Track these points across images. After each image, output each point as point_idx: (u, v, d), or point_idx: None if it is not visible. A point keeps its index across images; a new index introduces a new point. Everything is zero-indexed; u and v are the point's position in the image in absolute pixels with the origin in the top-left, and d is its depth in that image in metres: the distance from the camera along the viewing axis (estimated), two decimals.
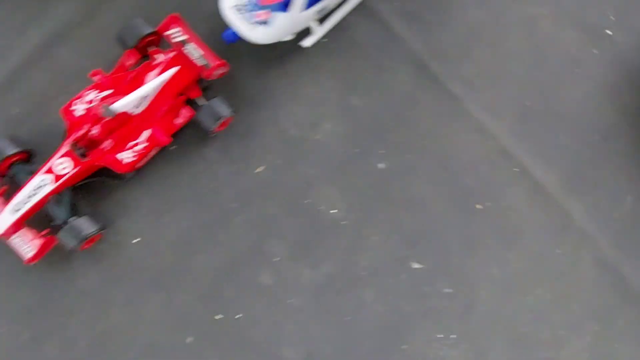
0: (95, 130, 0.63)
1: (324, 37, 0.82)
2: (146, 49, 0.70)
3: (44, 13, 0.85)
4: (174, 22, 0.66)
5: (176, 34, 0.68)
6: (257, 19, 0.69)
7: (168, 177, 0.73)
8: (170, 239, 0.71)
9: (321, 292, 0.84)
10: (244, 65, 0.76)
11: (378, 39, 1.10)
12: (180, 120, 0.68)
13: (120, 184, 0.66)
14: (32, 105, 0.71)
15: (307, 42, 0.81)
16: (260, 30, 0.73)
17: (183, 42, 0.67)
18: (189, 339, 0.68)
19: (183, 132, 0.74)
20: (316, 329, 0.82)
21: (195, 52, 0.67)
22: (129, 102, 0.63)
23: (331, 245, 0.84)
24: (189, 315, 0.73)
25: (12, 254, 0.68)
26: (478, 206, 1.02)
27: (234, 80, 0.75)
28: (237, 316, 0.71)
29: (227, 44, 0.70)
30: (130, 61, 0.68)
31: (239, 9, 0.72)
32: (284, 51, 0.83)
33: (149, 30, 0.67)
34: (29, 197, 0.64)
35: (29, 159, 0.67)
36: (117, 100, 0.63)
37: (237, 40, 0.70)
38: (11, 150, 0.65)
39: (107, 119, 0.64)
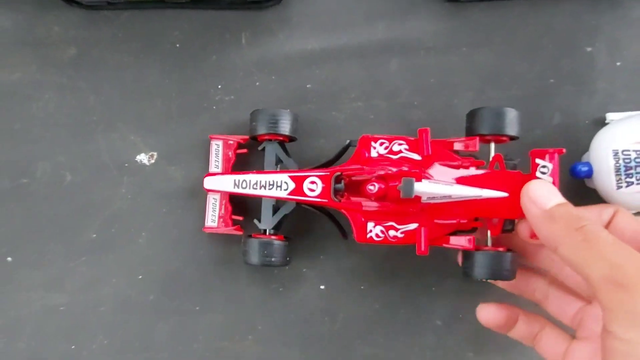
0: (373, 189, 0.51)
1: None
2: (489, 141, 0.55)
3: None
4: (549, 157, 0.50)
5: (543, 169, 0.51)
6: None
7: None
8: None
9: None
10: None
11: None
12: (450, 243, 0.53)
13: (337, 235, 0.56)
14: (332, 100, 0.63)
15: None
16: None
17: None
18: None
19: None
20: None
21: None
22: (431, 192, 0.50)
23: None
24: None
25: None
26: None
27: None
28: None
29: (574, 178, 0.56)
30: (465, 146, 0.53)
31: (619, 164, 0.54)
32: None
33: (513, 133, 0.53)
34: (261, 186, 0.55)
35: (289, 141, 0.58)
36: (422, 182, 0.50)
37: (588, 177, 0.55)
38: (283, 129, 0.56)
39: (394, 185, 0.51)
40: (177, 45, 0.61)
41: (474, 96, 0.61)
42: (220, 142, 0.58)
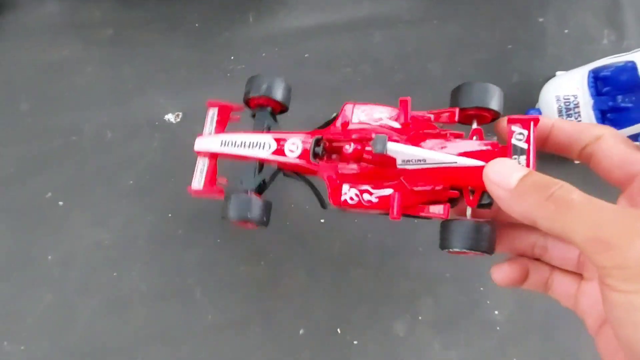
0: (349, 148, 0.51)
1: None
2: (472, 118, 0.53)
3: None
4: (523, 123, 0.47)
5: (519, 136, 0.47)
6: None
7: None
8: None
9: None
10: None
11: None
12: (424, 212, 0.50)
13: (317, 204, 0.58)
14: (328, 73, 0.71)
15: None
16: None
17: (516, 148, 0.47)
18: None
19: None
20: None
21: None
22: (404, 153, 0.49)
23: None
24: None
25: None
26: None
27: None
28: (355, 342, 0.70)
29: None
30: (447, 118, 0.52)
31: (561, 106, 0.66)
32: None
33: (496, 108, 0.51)
34: (246, 146, 0.56)
35: (279, 112, 0.60)
36: (396, 142, 0.49)
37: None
38: (275, 95, 0.58)
39: (370, 149, 0.50)
40: (197, 24, 0.74)
41: (444, 61, 0.73)
42: (215, 109, 0.62)
